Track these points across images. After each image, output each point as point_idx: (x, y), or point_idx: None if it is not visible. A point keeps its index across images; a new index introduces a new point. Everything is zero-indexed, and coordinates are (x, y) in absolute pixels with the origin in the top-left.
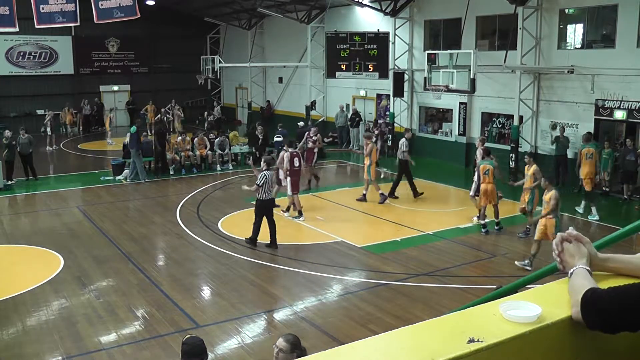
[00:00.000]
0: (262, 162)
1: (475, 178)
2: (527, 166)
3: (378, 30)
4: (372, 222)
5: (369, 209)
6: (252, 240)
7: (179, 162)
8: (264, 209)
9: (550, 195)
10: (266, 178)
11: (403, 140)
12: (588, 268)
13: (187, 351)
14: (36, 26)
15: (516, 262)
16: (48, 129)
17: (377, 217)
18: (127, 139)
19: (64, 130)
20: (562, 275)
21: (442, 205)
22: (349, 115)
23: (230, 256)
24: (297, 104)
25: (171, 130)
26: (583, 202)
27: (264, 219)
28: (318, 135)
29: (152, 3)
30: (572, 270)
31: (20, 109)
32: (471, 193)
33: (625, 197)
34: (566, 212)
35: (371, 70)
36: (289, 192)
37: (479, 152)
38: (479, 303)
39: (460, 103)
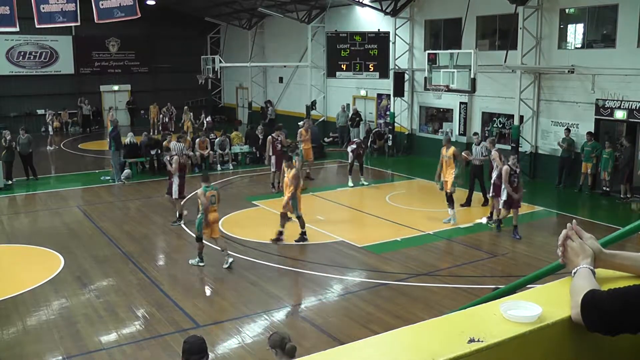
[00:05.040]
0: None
1: (497, 179)
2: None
3: (378, 30)
4: (372, 222)
5: (369, 209)
6: None
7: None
8: None
9: (292, 173)
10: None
11: (482, 145)
12: (592, 268)
13: (187, 349)
14: (37, 26)
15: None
16: (50, 128)
17: (377, 217)
18: (127, 139)
19: (65, 129)
20: (562, 275)
21: (443, 205)
22: (350, 115)
23: (230, 256)
24: (298, 103)
25: (172, 130)
26: (451, 211)
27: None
28: (281, 136)
29: (153, 3)
30: (575, 269)
31: (20, 109)
32: (491, 194)
33: (622, 196)
34: (567, 211)
35: (371, 70)
36: (175, 195)
37: (495, 153)
38: (479, 303)
39: (461, 103)
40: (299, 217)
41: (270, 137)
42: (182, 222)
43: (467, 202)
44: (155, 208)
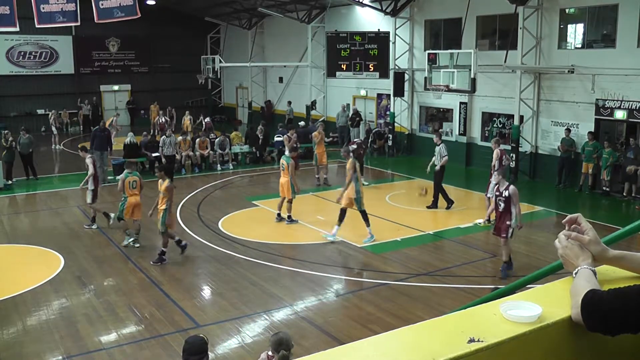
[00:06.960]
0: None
1: (494, 180)
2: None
3: (378, 30)
4: (373, 222)
5: (369, 209)
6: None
7: (179, 162)
8: None
9: (165, 185)
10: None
11: (443, 145)
12: (593, 269)
13: (187, 349)
14: (37, 26)
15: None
16: (54, 128)
17: (377, 217)
18: (127, 139)
19: (65, 129)
20: (562, 275)
21: (442, 205)
22: (350, 115)
23: (230, 256)
24: (298, 103)
25: (172, 130)
26: (369, 231)
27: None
28: (294, 136)
29: (153, 3)
30: (576, 270)
31: (20, 109)
32: (488, 194)
33: (624, 194)
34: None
35: (371, 70)
36: (89, 200)
37: (496, 154)
38: (479, 303)
39: (461, 103)
40: (163, 233)
41: (285, 136)
42: (94, 225)
43: (434, 205)
44: None
